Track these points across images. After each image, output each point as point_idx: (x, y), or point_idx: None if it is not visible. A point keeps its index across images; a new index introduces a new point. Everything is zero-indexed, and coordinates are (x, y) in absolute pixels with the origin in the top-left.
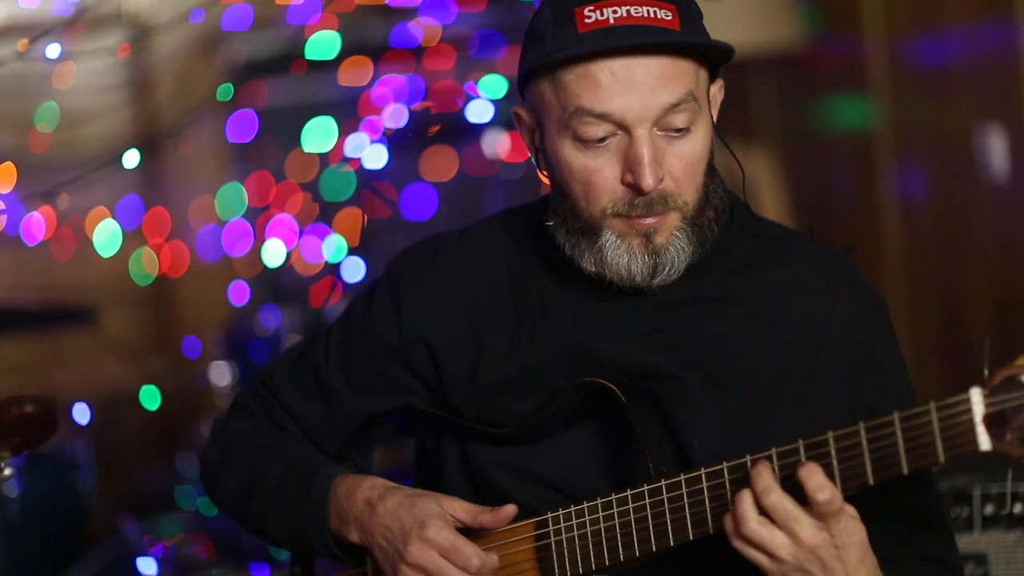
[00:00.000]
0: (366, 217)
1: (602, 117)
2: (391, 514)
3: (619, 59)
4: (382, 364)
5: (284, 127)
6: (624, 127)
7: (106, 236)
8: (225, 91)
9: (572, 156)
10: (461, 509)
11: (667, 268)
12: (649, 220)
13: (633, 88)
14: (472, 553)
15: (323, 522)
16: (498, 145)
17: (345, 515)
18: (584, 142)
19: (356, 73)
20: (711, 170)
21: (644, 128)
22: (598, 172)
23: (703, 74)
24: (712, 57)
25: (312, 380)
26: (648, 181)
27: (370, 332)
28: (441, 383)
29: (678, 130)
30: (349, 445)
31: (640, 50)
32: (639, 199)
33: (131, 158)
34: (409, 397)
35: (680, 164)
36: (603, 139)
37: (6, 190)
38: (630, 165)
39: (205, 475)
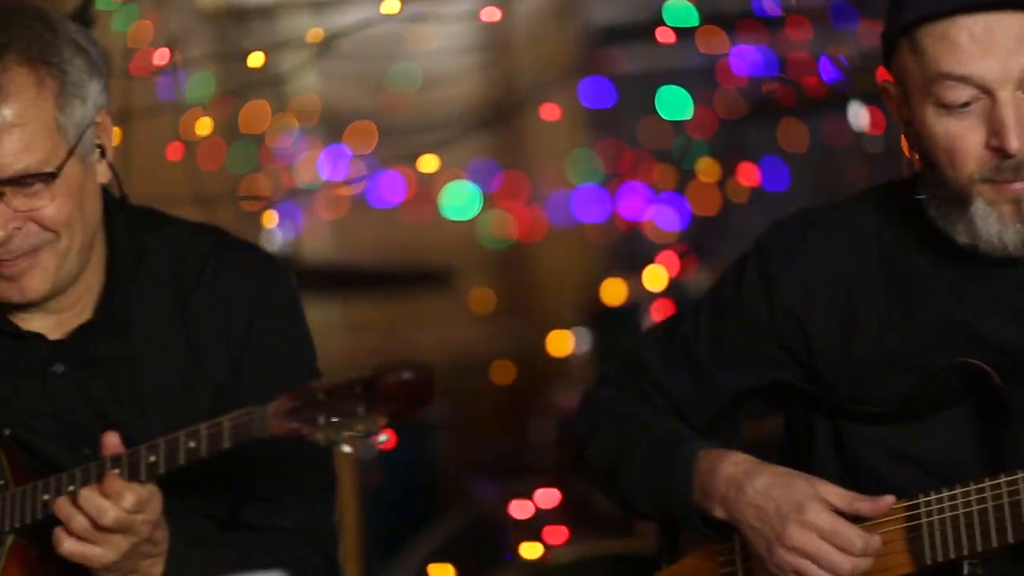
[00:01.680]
0: (721, 189)
1: (963, 80)
2: (763, 494)
3: (977, 17)
4: (753, 340)
5: (637, 94)
6: (986, 90)
7: (461, 200)
8: (582, 57)
9: (935, 123)
10: (836, 494)
11: None
12: (1018, 185)
13: (993, 49)
14: (855, 536)
15: (687, 496)
16: (859, 117)
17: (709, 491)
18: (946, 107)
19: (710, 42)
20: None
21: (1007, 90)
22: (962, 138)
23: None
24: None
25: (681, 356)
26: (1014, 144)
27: (740, 308)
28: (812, 359)
29: None
30: (719, 420)
31: (997, 6)
32: (1006, 163)
33: (488, 122)
34: (780, 372)
35: None
36: (966, 104)
37: (366, 151)
38: (995, 128)
39: (575, 446)
